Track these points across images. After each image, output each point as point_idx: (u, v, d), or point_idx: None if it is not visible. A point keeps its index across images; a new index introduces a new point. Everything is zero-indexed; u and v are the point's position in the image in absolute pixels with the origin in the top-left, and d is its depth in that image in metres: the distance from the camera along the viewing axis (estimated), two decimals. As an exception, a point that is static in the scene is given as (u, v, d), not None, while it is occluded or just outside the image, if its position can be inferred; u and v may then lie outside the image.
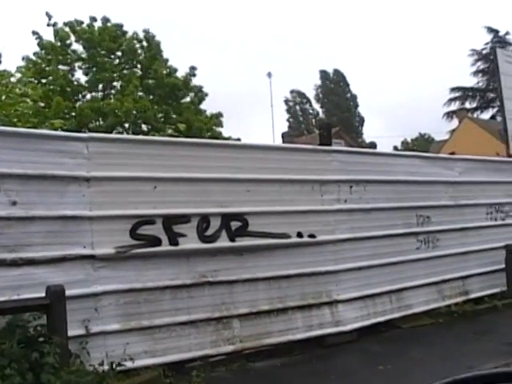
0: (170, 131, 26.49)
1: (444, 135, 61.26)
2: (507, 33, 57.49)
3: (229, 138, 27.59)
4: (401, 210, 11.49)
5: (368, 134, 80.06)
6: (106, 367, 7.40)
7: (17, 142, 7.64)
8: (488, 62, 54.11)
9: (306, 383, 8.14)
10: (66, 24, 28.34)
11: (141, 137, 11.82)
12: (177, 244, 8.64)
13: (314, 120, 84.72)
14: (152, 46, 30.00)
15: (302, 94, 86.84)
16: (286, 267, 9.65)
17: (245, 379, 8.37)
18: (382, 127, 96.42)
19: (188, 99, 30.79)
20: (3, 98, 18.15)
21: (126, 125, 27.89)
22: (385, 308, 10.88)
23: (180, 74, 30.62)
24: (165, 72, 29.88)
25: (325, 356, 9.32)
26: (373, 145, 35.49)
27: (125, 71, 29.60)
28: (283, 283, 9.65)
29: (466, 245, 12.57)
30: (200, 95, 31.30)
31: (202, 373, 8.16)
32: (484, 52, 57.97)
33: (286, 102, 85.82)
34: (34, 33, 27.64)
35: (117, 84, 29.58)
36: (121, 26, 29.70)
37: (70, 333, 7.16)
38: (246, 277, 9.23)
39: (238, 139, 27.03)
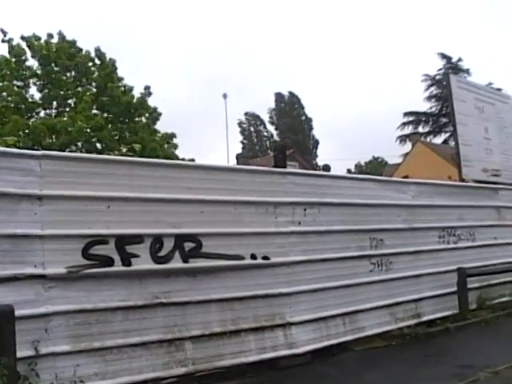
0: (124, 150, 26.31)
1: (397, 159, 62.43)
2: (460, 59, 58.95)
3: (183, 159, 27.51)
4: (354, 232, 11.53)
5: (322, 157, 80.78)
6: (55, 389, 7.28)
7: (-33, 159, 7.52)
8: (441, 88, 55.25)
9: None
10: (23, 38, 28.13)
11: (95, 155, 11.72)
12: (129, 264, 8.53)
13: (268, 142, 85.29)
14: (105, 64, 29.86)
15: (256, 117, 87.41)
16: (239, 289, 9.59)
17: (196, 402, 8.28)
18: (336, 150, 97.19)
19: (143, 119, 30.72)
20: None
21: (80, 143, 27.63)
22: (338, 330, 10.86)
23: (135, 93, 30.61)
24: (120, 90, 29.76)
25: (278, 379, 9.26)
26: (327, 167, 35.72)
27: (79, 88, 29.40)
28: (236, 305, 9.58)
29: (419, 268, 12.67)
30: (154, 115, 31.26)
31: (153, 395, 8.06)
32: (437, 77, 59.22)
33: (240, 124, 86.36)
34: (-13, 49, 27.50)
35: (71, 101, 29.36)
36: (74, 42, 29.55)
37: (19, 354, 7.07)
38: (199, 298, 9.15)
39: (192, 160, 26.98)
